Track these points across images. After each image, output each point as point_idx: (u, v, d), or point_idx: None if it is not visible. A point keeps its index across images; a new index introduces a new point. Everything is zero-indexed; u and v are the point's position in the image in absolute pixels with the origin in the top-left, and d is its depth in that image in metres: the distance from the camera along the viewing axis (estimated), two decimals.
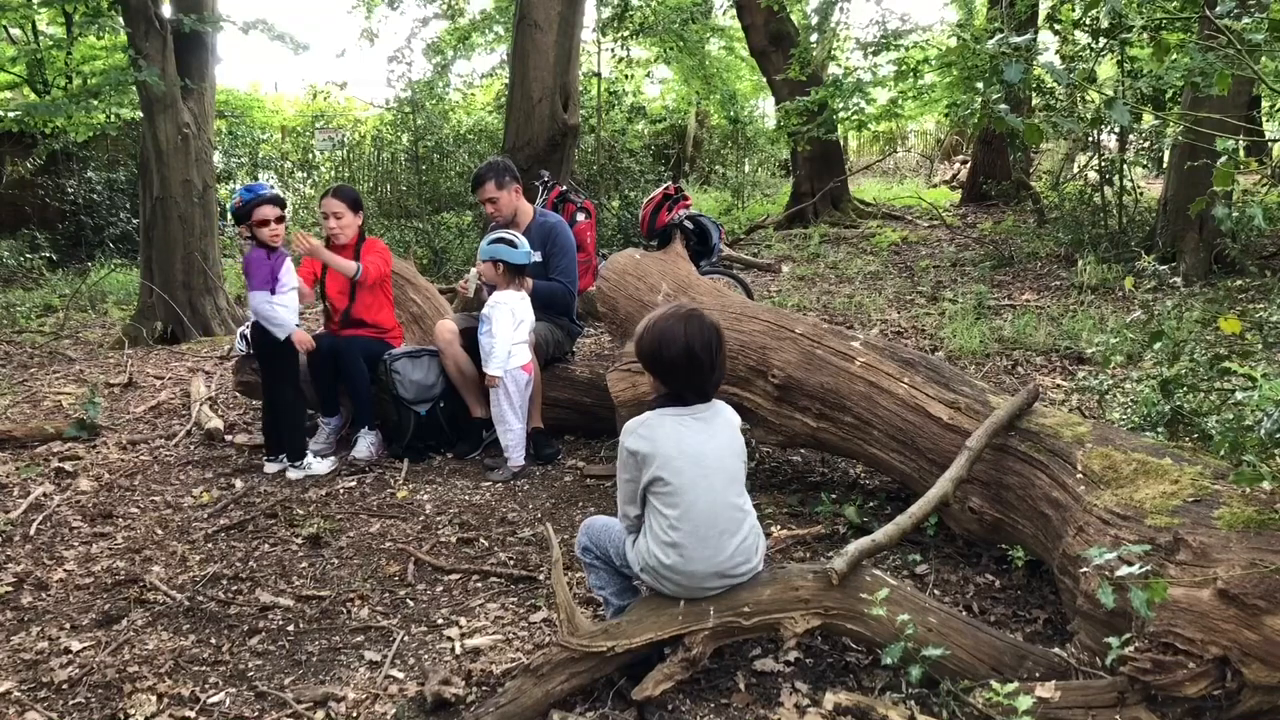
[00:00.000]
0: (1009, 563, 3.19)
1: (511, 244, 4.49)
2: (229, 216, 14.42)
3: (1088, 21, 7.49)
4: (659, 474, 2.41)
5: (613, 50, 13.11)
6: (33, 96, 13.89)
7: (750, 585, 2.52)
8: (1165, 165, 9.53)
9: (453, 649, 2.90)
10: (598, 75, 12.78)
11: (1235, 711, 2.12)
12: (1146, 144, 9.82)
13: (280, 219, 4.49)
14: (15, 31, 14.74)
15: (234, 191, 15.15)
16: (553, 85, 7.58)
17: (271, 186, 4.73)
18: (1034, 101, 10.07)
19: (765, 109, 19.99)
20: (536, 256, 4.84)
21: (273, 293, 4.42)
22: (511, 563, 3.51)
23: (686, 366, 2.43)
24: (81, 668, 2.85)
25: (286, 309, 4.47)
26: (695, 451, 2.43)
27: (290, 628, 3.08)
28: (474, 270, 4.78)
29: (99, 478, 4.59)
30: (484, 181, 4.90)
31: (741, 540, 2.46)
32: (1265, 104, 9.80)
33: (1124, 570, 2.22)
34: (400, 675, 2.76)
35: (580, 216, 6.43)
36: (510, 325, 4.41)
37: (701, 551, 2.41)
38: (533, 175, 7.04)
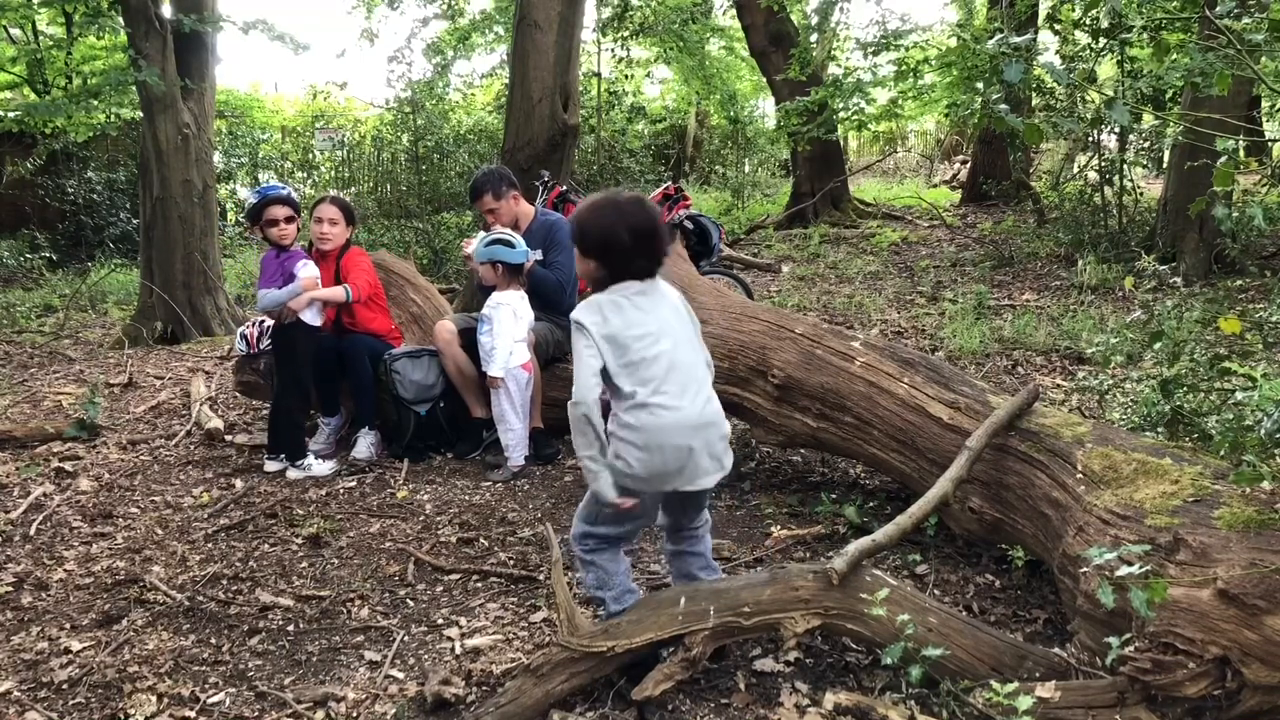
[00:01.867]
0: (1009, 563, 3.19)
1: (509, 244, 4.49)
2: (229, 216, 14.45)
3: (1088, 21, 7.50)
4: (622, 347, 2.45)
5: (613, 50, 13.12)
6: (33, 96, 13.90)
7: (750, 585, 2.52)
8: (1165, 165, 9.53)
9: (453, 649, 2.90)
10: (598, 75, 12.79)
11: (1235, 711, 2.12)
12: (1146, 144, 9.82)
13: (290, 219, 4.54)
14: (15, 31, 14.74)
15: (234, 193, 15.22)
16: (553, 85, 7.57)
17: (287, 188, 4.76)
18: (1034, 101, 10.06)
19: (765, 109, 19.98)
20: (536, 255, 4.84)
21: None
22: (511, 563, 3.51)
23: (633, 246, 2.49)
24: (81, 668, 2.84)
25: (284, 293, 4.48)
26: (656, 322, 2.49)
27: (290, 628, 3.08)
28: (480, 236, 4.74)
29: (99, 478, 4.59)
30: (482, 193, 4.90)
31: (710, 392, 2.54)
32: (1265, 104, 9.80)
33: (1124, 570, 2.22)
34: (400, 675, 2.76)
35: None
36: (512, 326, 4.41)
37: (683, 399, 2.46)
38: (533, 175, 7.04)
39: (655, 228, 2.53)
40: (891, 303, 8.01)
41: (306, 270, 4.54)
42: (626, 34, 12.89)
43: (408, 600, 3.26)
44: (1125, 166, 9.41)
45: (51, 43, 13.93)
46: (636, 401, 2.44)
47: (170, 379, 6.58)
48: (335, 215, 4.83)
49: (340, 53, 32.19)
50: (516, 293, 4.51)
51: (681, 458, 2.45)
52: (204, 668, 2.84)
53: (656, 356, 2.47)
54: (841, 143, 15.52)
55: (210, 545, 3.76)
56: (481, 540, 3.75)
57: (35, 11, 12.00)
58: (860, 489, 4.05)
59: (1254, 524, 2.25)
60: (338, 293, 4.68)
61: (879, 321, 7.30)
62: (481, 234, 4.72)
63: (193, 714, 2.60)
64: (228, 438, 5.14)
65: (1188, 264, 7.72)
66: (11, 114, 11.73)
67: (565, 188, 6.99)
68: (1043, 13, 10.92)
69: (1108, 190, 9.27)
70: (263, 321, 4.84)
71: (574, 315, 2.50)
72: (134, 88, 8.18)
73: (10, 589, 3.40)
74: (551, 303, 4.84)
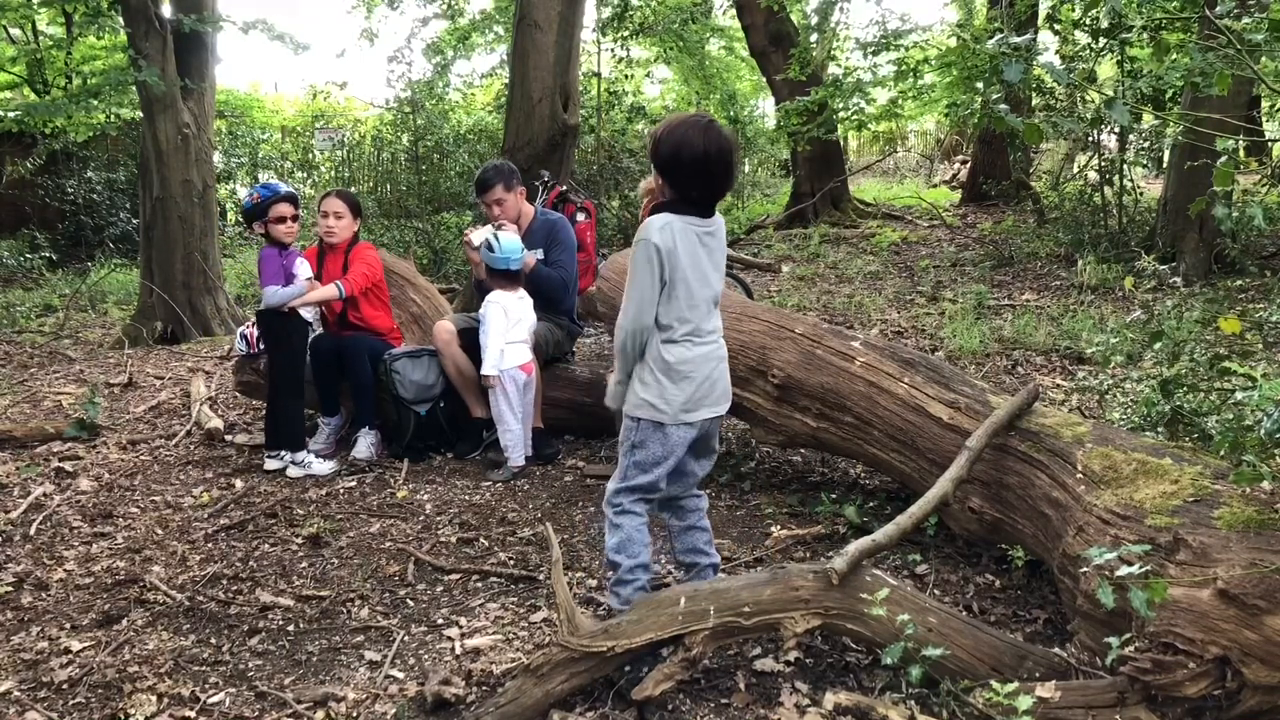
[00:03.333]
0: (1009, 563, 3.19)
1: (492, 248, 4.46)
2: (229, 216, 14.44)
3: (1088, 21, 7.50)
4: (674, 276, 2.55)
5: (613, 50, 13.10)
6: (33, 96, 13.91)
7: (750, 585, 2.53)
8: (1165, 165, 9.53)
9: (453, 649, 2.90)
10: (598, 75, 12.78)
11: (1235, 711, 2.12)
12: (1146, 144, 9.82)
13: (295, 217, 4.59)
14: (15, 31, 14.76)
15: (234, 193, 15.22)
16: (553, 85, 7.57)
17: (288, 185, 4.82)
18: (1034, 101, 10.06)
19: (765, 109, 19.99)
20: (537, 254, 4.84)
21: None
22: (511, 563, 3.51)
23: (705, 173, 2.55)
24: (81, 668, 2.84)
25: (295, 289, 4.54)
26: (702, 262, 2.62)
27: (290, 628, 3.08)
28: (487, 228, 4.74)
29: (99, 478, 4.59)
30: (492, 185, 4.89)
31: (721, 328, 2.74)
32: (1265, 104, 9.80)
33: (1124, 570, 2.22)
34: (400, 675, 2.76)
35: (580, 216, 6.43)
36: (502, 325, 4.40)
37: (711, 337, 2.68)
38: (533, 175, 7.03)
39: (730, 154, 2.59)
40: (891, 303, 8.01)
41: (303, 270, 4.57)
42: (626, 34, 12.87)
43: (408, 600, 3.26)
44: (1125, 166, 9.42)
45: (51, 43, 13.94)
46: (676, 336, 2.61)
47: (170, 379, 6.58)
48: (341, 209, 4.86)
49: (340, 53, 32.27)
50: (512, 293, 4.50)
51: (709, 386, 2.66)
52: (204, 668, 2.84)
53: (705, 299, 2.64)
54: (841, 143, 15.51)
55: (210, 545, 3.76)
56: (481, 540, 3.75)
57: (35, 11, 12.01)
58: (860, 489, 4.05)
59: (1254, 524, 2.25)
60: (330, 291, 4.68)
61: (879, 321, 7.30)
62: (488, 225, 4.72)
63: (193, 714, 2.60)
64: (228, 438, 5.14)
65: (1188, 264, 7.72)
66: (11, 114, 11.74)
67: (565, 188, 6.99)
68: (1043, 13, 10.92)
69: (1108, 190, 9.27)
70: None
71: (646, 233, 2.54)
72: (134, 88, 8.19)
73: (10, 589, 3.40)
74: (553, 302, 4.84)
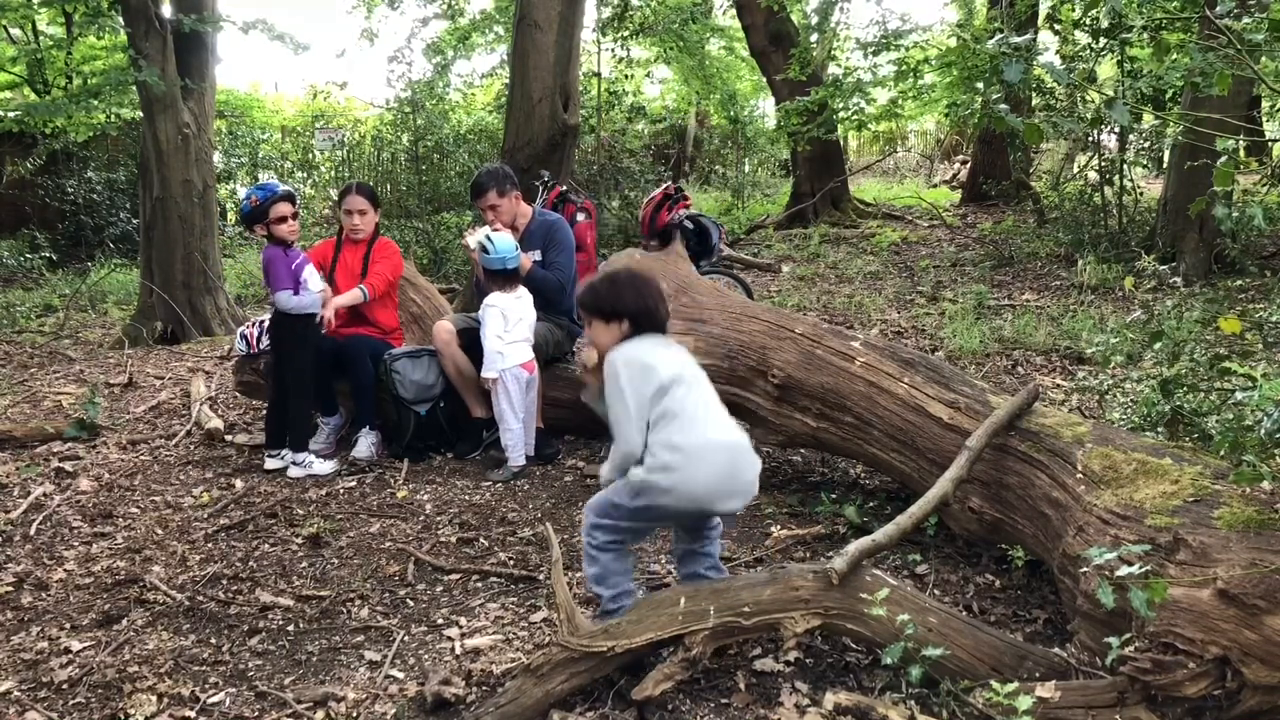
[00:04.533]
0: (1009, 563, 3.19)
1: (486, 250, 4.47)
2: (229, 216, 14.43)
3: (1088, 21, 7.50)
4: (663, 383, 2.58)
5: (613, 50, 13.11)
6: (33, 96, 13.90)
7: (750, 585, 2.53)
8: (1165, 165, 9.53)
9: (453, 649, 2.90)
10: (598, 75, 12.78)
11: (1235, 711, 2.12)
12: (1146, 144, 9.82)
13: (295, 214, 4.60)
14: (15, 31, 14.75)
15: (234, 193, 15.21)
16: (553, 85, 7.57)
17: (285, 183, 4.85)
18: (1034, 101, 10.06)
19: (765, 109, 19.98)
20: (534, 255, 4.84)
21: (295, 294, 4.50)
22: (511, 563, 3.51)
23: (659, 297, 2.75)
24: (81, 668, 2.84)
25: (312, 299, 4.55)
26: (681, 365, 2.68)
27: (290, 628, 3.08)
28: (484, 230, 4.74)
29: (99, 478, 4.59)
30: (486, 190, 4.90)
31: (734, 423, 2.70)
32: (1265, 104, 9.80)
33: (1124, 570, 2.22)
34: (400, 675, 2.76)
35: (580, 216, 6.42)
36: (500, 327, 4.40)
37: (709, 423, 2.61)
38: (533, 175, 7.03)
39: (660, 292, 2.81)
40: (891, 303, 8.01)
41: (314, 280, 4.58)
42: (626, 34, 12.88)
43: (408, 600, 3.26)
44: (1125, 166, 9.41)
45: (51, 43, 13.93)
46: (671, 436, 2.55)
47: (170, 379, 6.58)
48: (364, 205, 4.94)
49: (340, 53, 32.22)
50: (510, 294, 4.50)
51: (717, 482, 2.57)
52: (204, 668, 2.84)
53: (689, 394, 2.60)
54: (841, 143, 15.51)
55: (210, 545, 3.76)
56: (481, 540, 3.75)
57: (35, 11, 12.00)
58: (860, 489, 4.05)
59: (1254, 524, 2.25)
60: (355, 296, 4.76)
61: (879, 321, 7.30)
62: (485, 227, 4.72)
63: (193, 714, 2.60)
64: (228, 438, 5.14)
65: (1188, 264, 7.72)
66: (11, 114, 11.73)
67: (565, 188, 6.98)
68: (1043, 13, 10.92)
69: (1108, 190, 9.27)
70: (262, 321, 4.85)
71: (617, 357, 2.63)
72: (134, 88, 8.18)
73: (10, 589, 3.40)
74: (550, 303, 4.84)
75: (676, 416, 2.56)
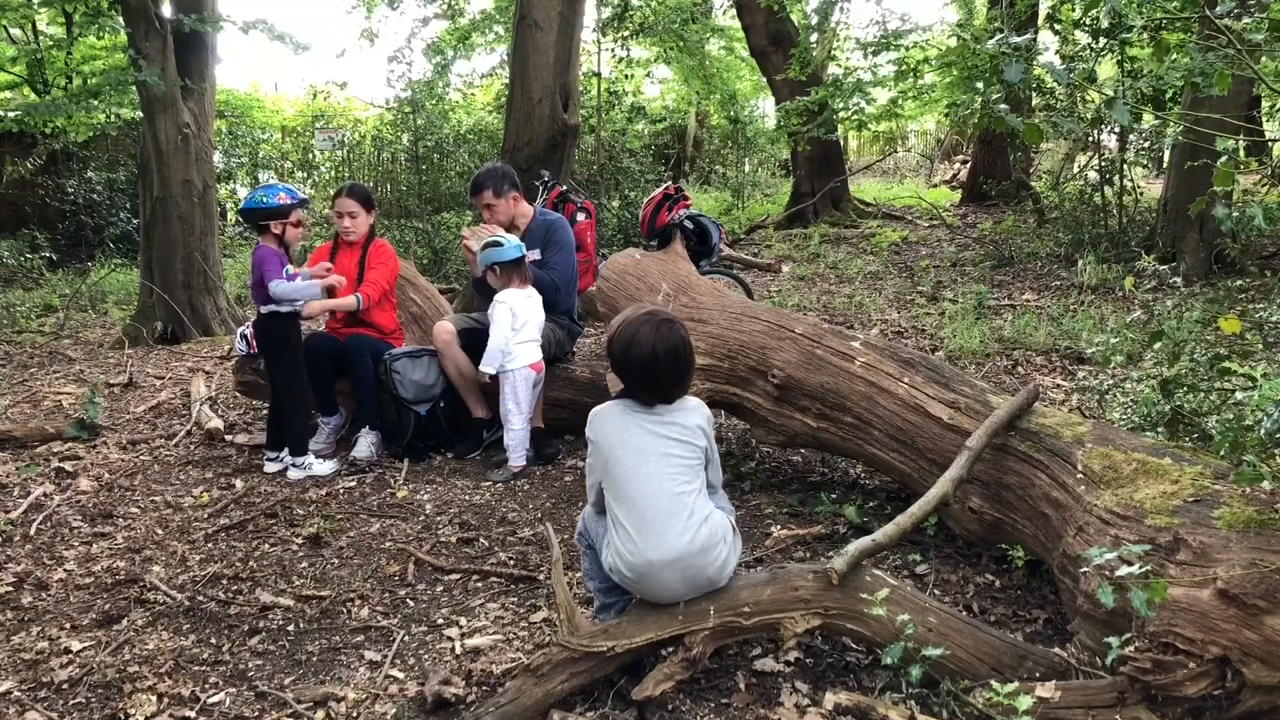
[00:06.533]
0: (1009, 563, 3.19)
1: (498, 244, 4.49)
2: (229, 216, 14.43)
3: (1088, 21, 7.50)
4: (604, 462, 2.51)
5: (613, 50, 13.11)
6: (33, 96, 13.89)
7: (750, 585, 2.53)
8: (1165, 165, 9.54)
9: (453, 649, 2.90)
10: (598, 75, 12.78)
11: (1235, 711, 2.12)
12: (1146, 144, 9.81)
13: (301, 221, 4.69)
14: (15, 31, 14.75)
15: (234, 193, 15.21)
16: (553, 85, 7.58)
17: (299, 189, 4.93)
18: (1034, 101, 10.06)
19: (765, 109, 20.00)
20: (534, 255, 4.84)
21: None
22: (511, 563, 3.51)
23: (650, 372, 2.50)
24: (81, 668, 2.84)
25: (307, 285, 4.57)
26: (637, 442, 2.48)
27: (290, 628, 3.08)
28: (481, 228, 4.76)
29: (99, 478, 4.59)
30: (483, 188, 4.91)
31: (687, 519, 2.42)
32: (1265, 104, 9.79)
33: (1124, 570, 2.22)
34: (400, 675, 2.76)
35: (580, 216, 6.43)
36: (508, 325, 4.41)
37: (648, 540, 2.41)
38: (533, 175, 7.04)
39: (682, 353, 2.51)
40: (891, 303, 8.01)
41: (311, 288, 4.58)
42: (626, 34, 12.88)
43: (408, 600, 3.26)
44: (1125, 166, 9.41)
45: (51, 43, 13.92)
46: (622, 544, 2.47)
47: (170, 379, 6.58)
48: (354, 208, 4.94)
49: (340, 53, 32.27)
50: (520, 291, 4.50)
51: (658, 589, 2.46)
52: (204, 668, 2.84)
53: (635, 496, 2.45)
54: (841, 143, 15.51)
55: (210, 545, 3.76)
56: (481, 540, 3.75)
57: (35, 11, 11.99)
58: (860, 489, 4.05)
59: (1254, 524, 2.25)
60: (349, 303, 4.77)
61: (879, 321, 7.30)
62: (481, 226, 4.74)
63: (193, 714, 2.60)
64: (228, 438, 5.14)
65: (1188, 264, 7.72)
66: (11, 114, 11.73)
67: (565, 188, 6.99)
68: (1043, 13, 10.91)
69: (1108, 190, 9.27)
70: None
71: (590, 420, 2.57)
72: (134, 88, 8.17)
73: (10, 589, 3.40)
74: (550, 303, 4.84)
75: (615, 509, 2.49)
